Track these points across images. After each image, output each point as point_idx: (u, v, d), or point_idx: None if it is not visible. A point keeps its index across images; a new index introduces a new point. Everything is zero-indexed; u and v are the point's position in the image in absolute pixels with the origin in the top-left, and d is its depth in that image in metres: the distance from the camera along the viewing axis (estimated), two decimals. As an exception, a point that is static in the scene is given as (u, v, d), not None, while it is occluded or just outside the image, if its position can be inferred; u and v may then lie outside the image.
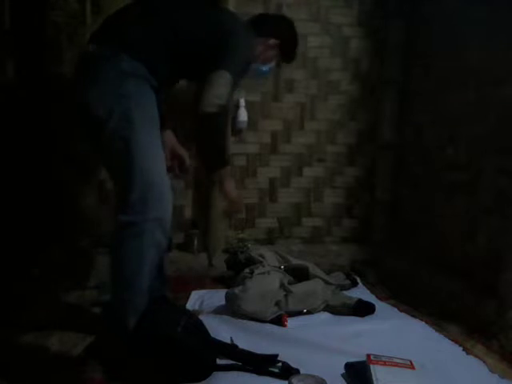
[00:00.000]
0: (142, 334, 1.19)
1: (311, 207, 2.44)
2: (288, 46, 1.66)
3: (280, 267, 1.85)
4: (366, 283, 2.07)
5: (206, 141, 1.43)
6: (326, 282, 1.81)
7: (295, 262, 1.94)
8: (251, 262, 1.89)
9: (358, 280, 2.04)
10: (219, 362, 1.24)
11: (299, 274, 1.83)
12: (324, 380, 1.08)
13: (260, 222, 2.38)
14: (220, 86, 1.33)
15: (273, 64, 1.68)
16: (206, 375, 1.18)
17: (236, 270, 1.93)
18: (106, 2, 1.90)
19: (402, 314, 1.69)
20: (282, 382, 1.15)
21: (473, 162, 1.78)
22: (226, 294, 1.63)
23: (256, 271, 1.73)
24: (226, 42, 1.38)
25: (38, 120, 1.94)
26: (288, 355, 1.26)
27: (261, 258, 1.89)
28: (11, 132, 1.88)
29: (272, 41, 1.60)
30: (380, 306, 1.74)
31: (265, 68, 1.66)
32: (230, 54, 1.37)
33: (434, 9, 2.09)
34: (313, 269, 1.87)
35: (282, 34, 1.62)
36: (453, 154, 1.91)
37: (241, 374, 1.21)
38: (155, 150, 1.29)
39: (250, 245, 2.21)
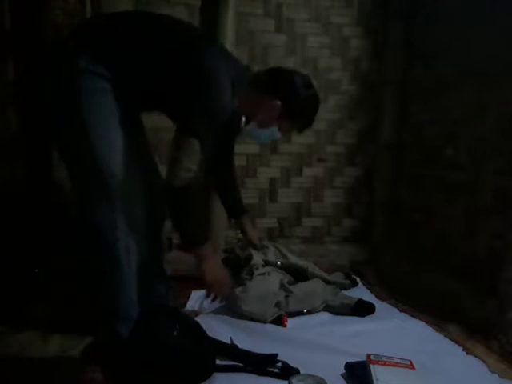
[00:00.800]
0: (138, 342, 1.19)
1: (311, 207, 2.44)
2: (294, 110, 1.32)
3: (276, 262, 1.85)
4: (366, 283, 2.07)
5: (179, 215, 1.25)
6: (326, 282, 1.81)
7: (294, 260, 1.94)
8: (251, 261, 1.88)
9: (358, 280, 2.04)
10: (219, 362, 1.24)
11: (298, 275, 1.83)
12: (324, 380, 1.08)
13: (260, 222, 2.38)
14: (189, 157, 1.18)
15: (274, 130, 1.36)
16: (207, 376, 1.18)
17: (236, 270, 1.92)
18: (106, 1, 1.89)
19: (402, 314, 1.68)
20: (281, 382, 1.15)
21: (473, 161, 1.78)
22: (226, 294, 1.63)
23: (256, 272, 1.73)
24: (200, 101, 1.19)
25: (37, 120, 1.93)
26: (288, 355, 1.26)
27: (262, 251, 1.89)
28: (12, 132, 1.88)
29: (269, 101, 1.29)
30: (380, 306, 1.73)
31: (263, 134, 1.39)
32: (201, 116, 1.20)
33: (434, 9, 2.09)
34: (312, 269, 1.87)
35: (284, 94, 1.29)
36: (453, 154, 1.91)
37: (241, 374, 1.21)
38: (110, 152, 1.22)
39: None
